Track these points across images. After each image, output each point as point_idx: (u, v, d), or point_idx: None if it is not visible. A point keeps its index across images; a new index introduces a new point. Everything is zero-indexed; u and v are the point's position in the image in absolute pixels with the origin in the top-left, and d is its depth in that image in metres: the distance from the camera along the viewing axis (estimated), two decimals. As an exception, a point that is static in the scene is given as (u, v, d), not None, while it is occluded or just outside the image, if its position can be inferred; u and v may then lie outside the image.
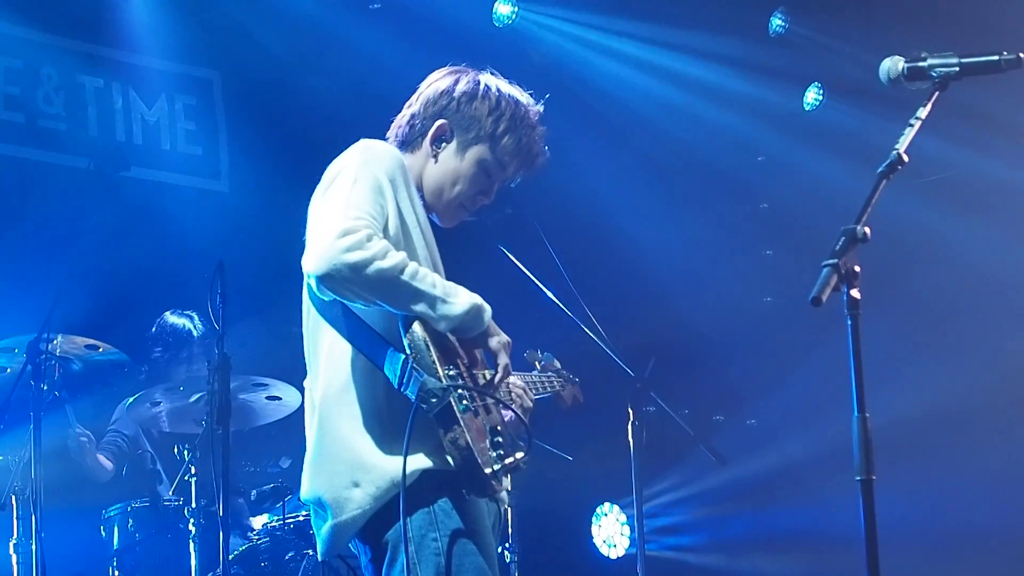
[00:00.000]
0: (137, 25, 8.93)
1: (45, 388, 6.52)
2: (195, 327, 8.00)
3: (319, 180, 4.09)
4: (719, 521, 10.66)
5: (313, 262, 3.64)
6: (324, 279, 3.63)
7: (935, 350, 9.93)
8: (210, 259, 6.54)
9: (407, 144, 4.31)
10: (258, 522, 7.44)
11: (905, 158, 3.35)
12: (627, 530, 10.42)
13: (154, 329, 8.03)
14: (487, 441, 3.78)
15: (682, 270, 10.18)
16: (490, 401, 3.91)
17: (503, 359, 3.98)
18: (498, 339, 3.98)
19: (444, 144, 4.25)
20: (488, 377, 3.99)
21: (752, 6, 10.19)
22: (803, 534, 9.94)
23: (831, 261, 3.11)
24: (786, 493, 10.36)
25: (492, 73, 4.40)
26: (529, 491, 7.68)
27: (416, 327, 3.74)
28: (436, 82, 4.38)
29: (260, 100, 9.36)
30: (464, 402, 3.72)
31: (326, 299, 3.87)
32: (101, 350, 7.10)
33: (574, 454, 7.26)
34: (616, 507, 10.55)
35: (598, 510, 10.55)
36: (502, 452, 3.83)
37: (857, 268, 3.15)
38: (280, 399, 7.31)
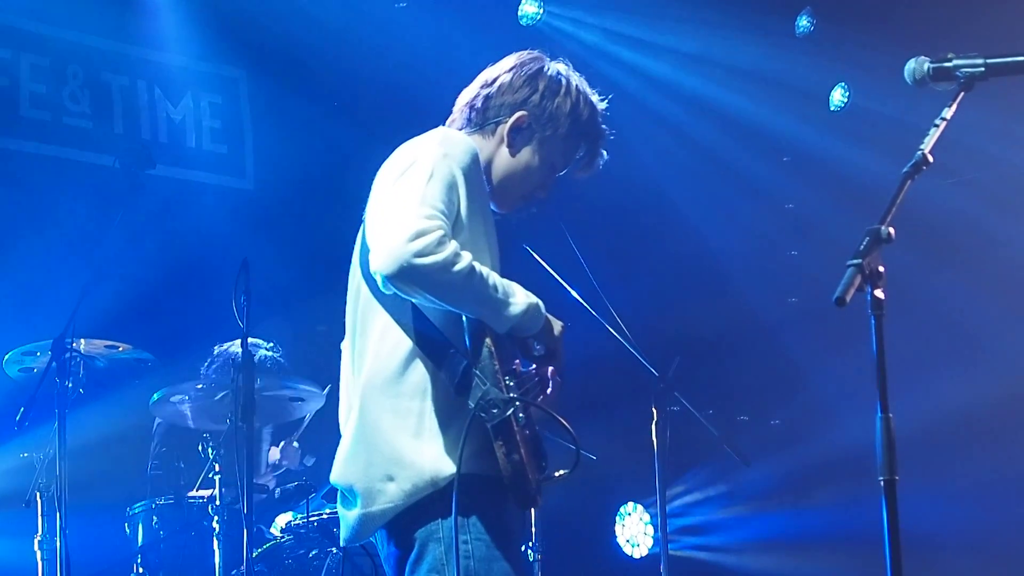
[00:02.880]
0: (163, 23, 8.96)
1: (70, 385, 6.54)
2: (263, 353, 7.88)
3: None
4: (742, 521, 10.65)
5: (382, 260, 3.58)
6: (392, 279, 3.58)
7: (961, 351, 9.90)
8: (235, 257, 6.55)
9: (477, 126, 4.22)
10: (282, 520, 7.45)
11: (930, 158, 3.34)
12: (651, 530, 10.41)
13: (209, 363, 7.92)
14: (534, 455, 3.80)
15: (707, 270, 10.18)
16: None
17: (558, 359, 4.00)
18: (556, 333, 3.98)
19: (521, 137, 4.18)
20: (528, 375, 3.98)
21: (779, 6, 10.17)
22: (827, 534, 9.92)
23: (855, 261, 3.10)
24: (810, 493, 10.35)
25: (566, 64, 4.35)
26: (553, 491, 7.64)
27: (483, 334, 3.73)
28: (516, 68, 4.26)
29: (286, 98, 9.38)
30: (521, 415, 3.72)
31: (388, 292, 3.80)
32: (121, 349, 7.11)
33: (598, 454, 7.25)
34: (640, 507, 10.55)
35: (622, 510, 10.55)
36: (544, 464, 3.87)
37: (881, 268, 3.14)
38: (303, 400, 7.33)
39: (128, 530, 7.30)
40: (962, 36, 8.51)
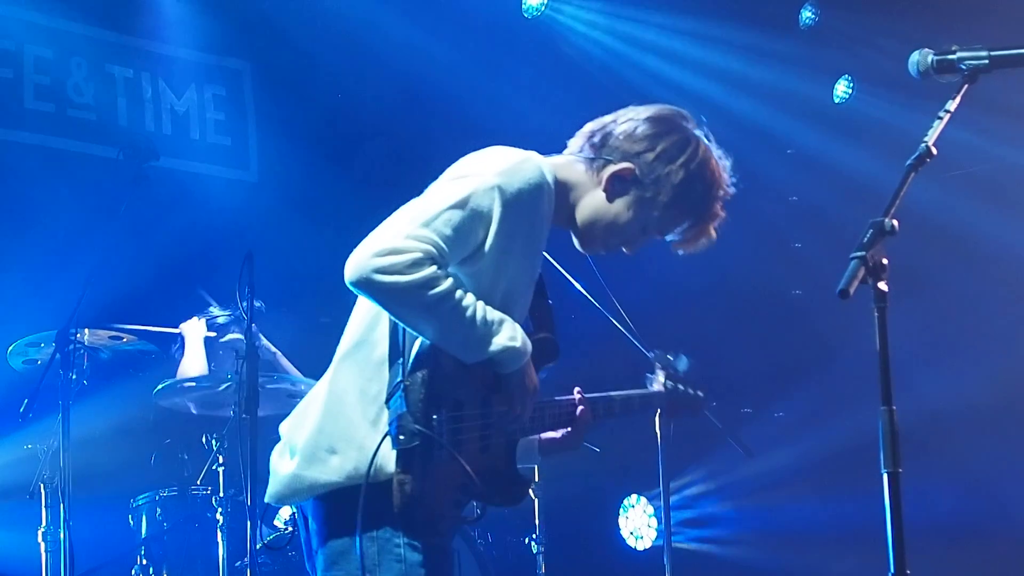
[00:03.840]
0: (167, 15, 8.98)
1: (74, 377, 6.55)
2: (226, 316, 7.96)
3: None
4: (746, 513, 10.66)
5: (347, 265, 3.57)
6: (351, 285, 3.58)
7: (965, 343, 9.90)
8: (239, 249, 6.56)
9: (587, 158, 4.05)
10: (286, 511, 7.45)
11: (934, 151, 3.34)
12: (654, 522, 10.41)
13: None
14: (450, 492, 3.76)
15: (711, 262, 10.16)
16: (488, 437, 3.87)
17: (516, 407, 3.93)
18: (528, 386, 3.91)
19: (621, 188, 3.99)
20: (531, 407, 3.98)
21: (783, -2, 10.18)
22: (830, 527, 9.93)
23: (859, 253, 3.09)
24: (814, 486, 10.34)
25: (708, 137, 4.17)
26: (556, 483, 7.69)
27: (427, 362, 3.69)
28: (647, 118, 4.08)
29: (289, 91, 9.39)
30: (434, 450, 3.65)
31: None
32: (125, 340, 7.12)
33: (601, 446, 7.25)
34: (643, 499, 10.54)
35: (625, 502, 10.55)
36: (468, 501, 3.86)
37: (885, 261, 3.13)
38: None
39: (132, 522, 7.31)
40: (966, 28, 8.51)
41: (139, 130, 8.82)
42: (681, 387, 5.10)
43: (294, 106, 9.35)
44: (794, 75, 10.25)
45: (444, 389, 3.72)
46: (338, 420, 3.77)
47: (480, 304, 3.69)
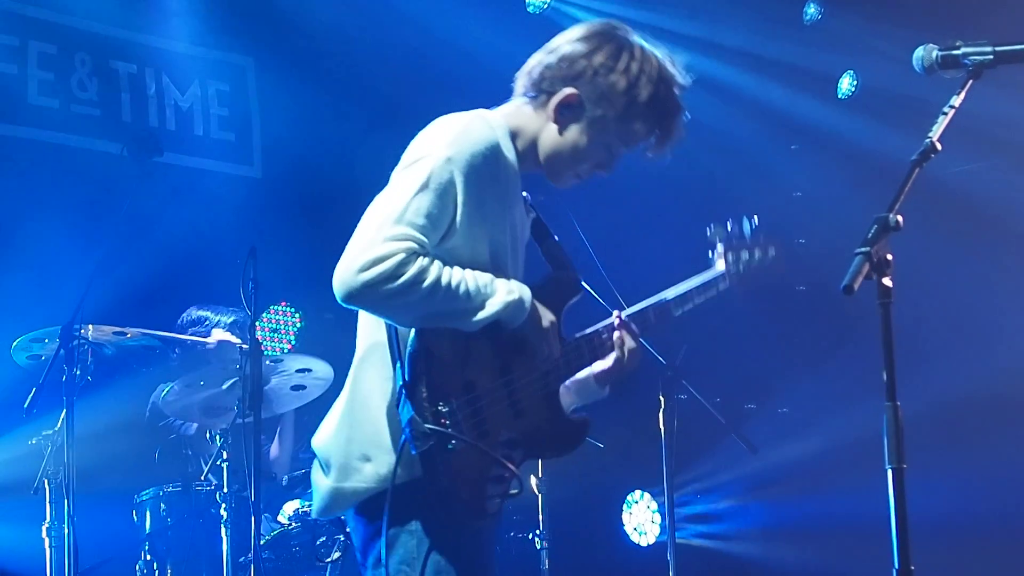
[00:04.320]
0: (171, 10, 8.97)
1: (78, 373, 6.55)
2: (219, 317, 7.95)
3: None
4: (750, 509, 10.65)
5: (335, 284, 3.58)
6: (344, 303, 3.60)
7: (971, 338, 9.88)
8: (243, 245, 6.56)
9: (531, 96, 3.99)
10: (290, 507, 7.46)
11: (939, 146, 3.34)
12: (658, 518, 10.41)
13: (179, 322, 7.99)
14: (487, 471, 3.76)
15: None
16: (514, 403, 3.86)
17: (544, 351, 3.92)
18: (544, 325, 3.90)
19: (570, 114, 3.92)
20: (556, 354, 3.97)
21: (787, -6, 10.17)
22: (834, 523, 9.90)
23: (863, 249, 3.10)
24: (818, 482, 10.32)
25: (644, 40, 4.02)
26: (560, 479, 7.68)
27: (415, 353, 3.67)
28: (578, 39, 3.97)
29: (293, 86, 9.38)
30: (453, 442, 3.64)
31: None
32: (129, 335, 7.12)
33: (605, 442, 7.25)
34: (647, 495, 10.54)
35: (629, 498, 10.54)
36: (508, 475, 3.81)
37: (889, 256, 3.14)
38: (306, 388, 7.31)
39: (136, 517, 7.30)
40: (971, 23, 8.50)
41: (143, 126, 8.82)
42: (746, 255, 4.96)
43: (298, 101, 9.34)
44: (798, 71, 10.24)
45: (448, 377, 3.71)
46: (365, 427, 3.78)
47: (468, 273, 3.69)
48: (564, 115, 3.94)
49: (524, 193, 4.05)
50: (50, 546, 6.72)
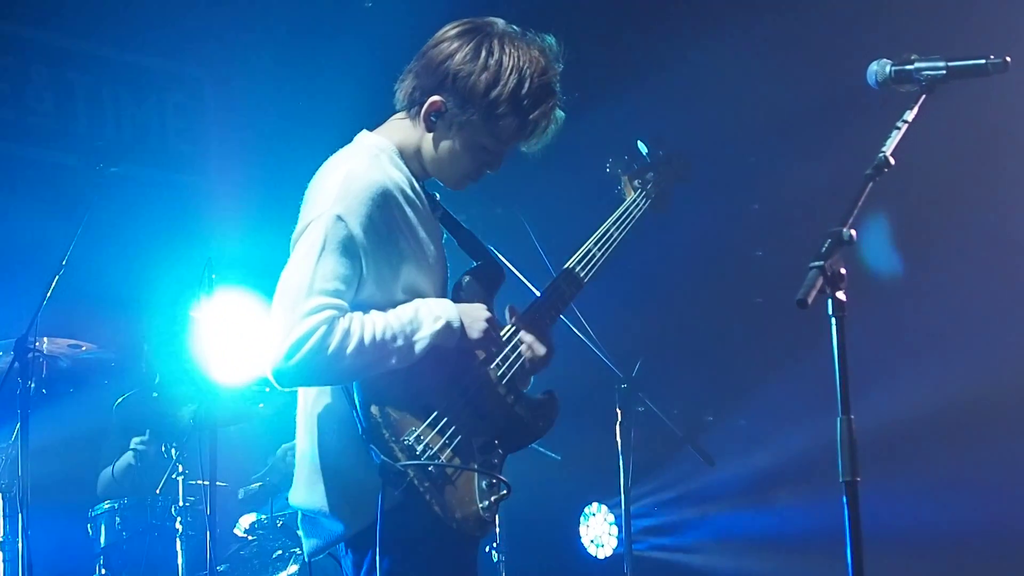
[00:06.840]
0: (128, 23, 8.93)
1: (32, 386, 6.51)
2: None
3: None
4: (707, 521, 10.66)
5: (270, 374, 3.62)
6: (286, 388, 3.67)
7: (924, 351, 9.92)
8: (199, 255, 6.54)
9: (409, 109, 3.98)
10: (246, 520, 7.44)
11: (892, 161, 3.35)
12: (615, 530, 10.41)
13: None
14: (471, 488, 3.83)
15: (672, 270, 10.16)
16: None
17: (490, 347, 3.95)
18: (475, 335, 3.88)
19: (440, 122, 3.90)
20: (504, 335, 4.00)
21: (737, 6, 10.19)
22: (790, 534, 9.94)
23: (817, 263, 3.10)
24: (774, 494, 10.35)
25: (508, 30, 3.95)
26: (517, 491, 7.65)
27: (364, 400, 3.70)
28: (439, 44, 3.94)
29: (249, 98, 9.36)
30: (430, 469, 3.69)
31: None
32: (84, 349, 7.08)
33: (562, 454, 7.25)
34: (604, 507, 10.54)
35: (586, 510, 10.55)
36: (495, 482, 3.93)
37: (843, 270, 3.14)
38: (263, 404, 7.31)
39: (91, 531, 7.27)
40: (935, 36, 8.54)
41: (99, 137, 8.78)
42: (651, 174, 4.93)
43: (254, 114, 9.32)
44: (756, 83, 10.27)
45: (404, 409, 3.74)
46: (336, 477, 3.79)
47: (391, 316, 3.71)
48: (434, 123, 3.93)
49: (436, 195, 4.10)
50: (3, 560, 6.67)
